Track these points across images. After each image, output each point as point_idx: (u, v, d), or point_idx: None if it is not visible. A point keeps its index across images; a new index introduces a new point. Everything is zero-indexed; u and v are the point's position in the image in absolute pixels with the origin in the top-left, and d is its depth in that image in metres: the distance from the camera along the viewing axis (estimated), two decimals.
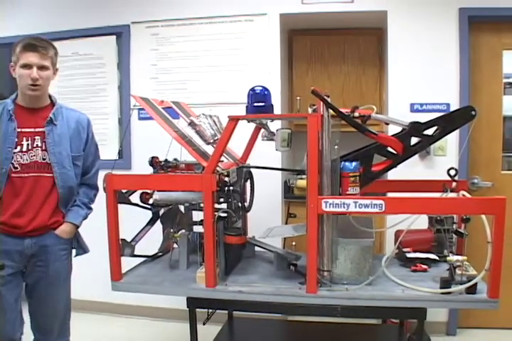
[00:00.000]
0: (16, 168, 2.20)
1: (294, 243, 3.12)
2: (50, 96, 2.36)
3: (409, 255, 2.32)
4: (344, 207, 1.96)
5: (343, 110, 2.12)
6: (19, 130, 2.22)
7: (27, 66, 2.17)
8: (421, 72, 3.25)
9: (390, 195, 2.61)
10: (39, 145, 2.25)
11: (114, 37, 3.74)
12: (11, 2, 3.91)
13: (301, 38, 3.85)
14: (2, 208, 2.19)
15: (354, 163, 2.06)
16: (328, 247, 2.08)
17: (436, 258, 2.31)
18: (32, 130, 2.24)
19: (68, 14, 3.77)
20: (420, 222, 2.14)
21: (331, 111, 2.06)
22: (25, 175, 2.22)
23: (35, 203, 2.24)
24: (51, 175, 2.26)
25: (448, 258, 2.09)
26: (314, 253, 2.02)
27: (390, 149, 2.18)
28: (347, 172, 2.04)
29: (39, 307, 2.33)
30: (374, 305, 2.02)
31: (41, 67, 2.19)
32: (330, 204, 1.97)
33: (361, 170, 2.10)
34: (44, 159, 2.25)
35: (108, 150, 3.64)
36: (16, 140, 2.21)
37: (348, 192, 2.04)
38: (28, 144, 2.23)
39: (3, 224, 2.20)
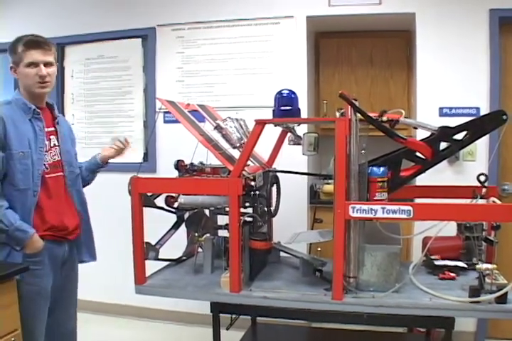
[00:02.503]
0: (47, 168, 2.20)
1: (319, 249, 3.12)
2: None
3: (437, 262, 2.30)
4: (372, 212, 1.96)
5: (371, 114, 2.12)
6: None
7: (33, 64, 2.15)
8: (450, 75, 3.22)
9: (418, 200, 2.60)
10: (56, 144, 2.27)
11: (140, 40, 3.79)
12: (35, 3, 3.98)
13: (328, 41, 3.85)
14: (43, 212, 2.16)
15: (382, 168, 2.06)
16: (354, 253, 2.08)
17: (465, 266, 2.29)
18: (46, 129, 2.25)
19: (94, 17, 3.84)
20: (449, 228, 2.13)
21: (358, 115, 2.06)
22: (53, 175, 2.23)
23: (64, 204, 2.26)
24: (63, 175, 2.28)
25: (477, 266, 2.06)
26: (341, 259, 2.02)
27: (418, 154, 2.17)
28: (375, 178, 2.04)
29: (65, 312, 2.36)
30: (400, 313, 2.02)
31: (46, 64, 2.18)
32: (357, 209, 1.97)
33: (389, 176, 2.10)
34: (60, 158, 2.28)
35: (133, 153, 3.69)
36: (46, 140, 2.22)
37: (375, 198, 2.03)
38: (48, 144, 2.24)
39: (49, 230, 2.18)
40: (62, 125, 2.35)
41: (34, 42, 2.16)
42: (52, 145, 2.26)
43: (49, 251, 2.18)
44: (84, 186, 2.45)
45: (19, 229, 2.06)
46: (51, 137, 2.26)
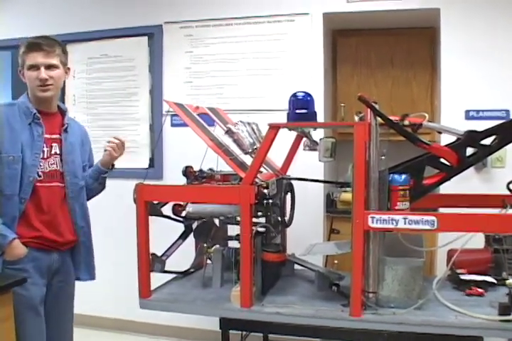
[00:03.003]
0: (40, 176, 2.23)
1: (336, 261, 3.10)
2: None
3: (463, 277, 2.30)
4: (393, 223, 1.96)
5: (392, 118, 2.13)
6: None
7: (34, 67, 2.20)
8: (477, 76, 3.21)
9: (442, 210, 2.59)
10: (57, 152, 2.29)
11: (146, 38, 3.81)
12: (34, 1, 4.03)
13: (346, 40, 3.87)
14: (30, 220, 2.20)
15: (404, 176, 2.06)
16: (374, 267, 2.08)
17: (494, 281, 2.28)
18: (49, 136, 2.28)
19: (97, 13, 3.87)
20: (476, 240, 2.13)
21: (378, 119, 2.07)
22: (47, 184, 2.24)
23: (59, 217, 2.29)
24: (63, 185, 2.30)
25: (507, 281, 2.05)
26: (359, 273, 2.02)
27: (443, 160, 2.18)
28: (396, 186, 2.05)
29: (57, 327, 2.37)
30: (424, 331, 2.01)
31: (49, 67, 2.21)
32: (377, 220, 1.97)
33: (411, 184, 2.10)
34: (59, 168, 2.30)
35: (139, 159, 3.73)
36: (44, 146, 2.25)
37: (397, 207, 2.04)
38: (47, 151, 2.27)
39: (35, 238, 2.21)
40: (72, 133, 2.37)
41: (35, 45, 2.21)
42: (52, 152, 2.28)
43: (34, 259, 2.20)
44: (91, 197, 2.47)
45: None
46: (53, 145, 2.29)
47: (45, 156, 2.25)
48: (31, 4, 4.04)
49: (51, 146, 2.28)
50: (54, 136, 2.30)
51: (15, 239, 2.13)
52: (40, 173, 2.22)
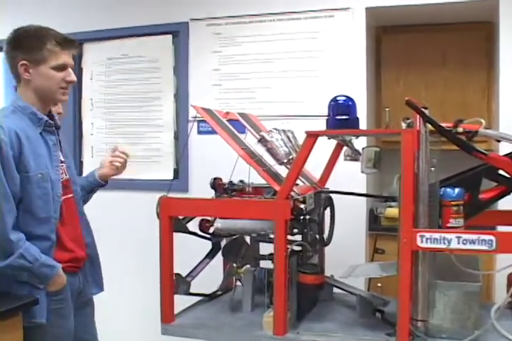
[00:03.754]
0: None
1: (380, 285, 3.10)
2: None
3: None
4: (445, 242, 1.95)
5: (443, 124, 2.12)
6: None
7: (61, 67, 2.14)
8: None
9: (501, 229, 2.56)
10: (62, 159, 2.27)
11: (171, 36, 3.86)
12: None
13: (392, 37, 3.87)
14: (63, 242, 2.19)
15: (457, 189, 2.05)
16: (423, 291, 2.06)
17: None
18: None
19: (117, 10, 3.93)
20: None
21: (429, 125, 2.06)
22: (64, 197, 2.22)
23: (78, 230, 2.30)
24: (72, 195, 2.30)
25: None
26: (407, 298, 2.01)
27: (501, 172, 2.16)
28: (449, 201, 2.03)
29: None
30: None
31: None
32: (427, 238, 1.96)
33: (466, 198, 2.09)
34: (68, 176, 2.29)
35: (162, 169, 3.77)
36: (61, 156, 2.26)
37: (449, 225, 2.02)
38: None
39: (69, 261, 2.21)
40: (61, 135, 2.34)
41: (70, 42, 2.17)
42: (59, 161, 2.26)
43: (69, 285, 2.21)
44: None
45: (45, 264, 2.07)
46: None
47: None
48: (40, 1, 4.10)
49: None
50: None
51: (60, 268, 2.12)
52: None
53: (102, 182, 2.49)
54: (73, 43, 2.20)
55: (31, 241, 2.06)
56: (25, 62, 2.11)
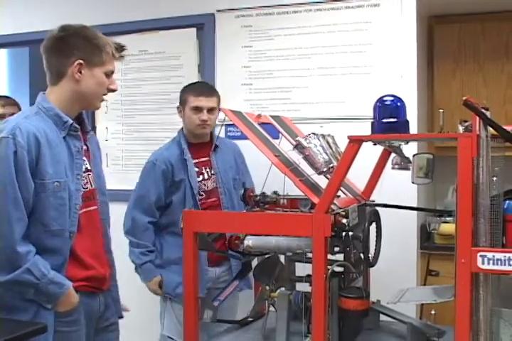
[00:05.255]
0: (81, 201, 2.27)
1: (433, 312, 3.07)
2: None
3: None
4: (509, 264, 1.93)
5: (507, 128, 2.11)
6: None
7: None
8: None
9: None
10: (89, 168, 2.33)
11: (195, 30, 3.91)
12: None
13: (446, 27, 3.87)
14: (81, 257, 2.23)
15: None
16: (485, 320, 2.04)
17: None
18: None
19: (133, 1, 4.00)
20: None
21: (490, 129, 2.05)
22: (85, 209, 2.27)
23: (100, 246, 2.35)
24: (96, 207, 2.35)
25: None
26: (466, 328, 1.99)
27: None
28: None
29: None
30: None
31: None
32: (489, 259, 1.94)
33: None
34: (93, 187, 2.35)
35: None
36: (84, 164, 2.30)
37: None
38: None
39: (86, 279, 2.25)
40: (91, 141, 2.43)
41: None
42: (84, 169, 2.31)
43: (84, 306, 2.23)
44: None
45: (53, 281, 2.10)
46: (84, 159, 2.32)
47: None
48: None
49: (83, 161, 2.31)
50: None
51: (71, 287, 2.15)
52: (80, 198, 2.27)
53: None
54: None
55: (42, 256, 2.09)
56: (81, 61, 2.21)
